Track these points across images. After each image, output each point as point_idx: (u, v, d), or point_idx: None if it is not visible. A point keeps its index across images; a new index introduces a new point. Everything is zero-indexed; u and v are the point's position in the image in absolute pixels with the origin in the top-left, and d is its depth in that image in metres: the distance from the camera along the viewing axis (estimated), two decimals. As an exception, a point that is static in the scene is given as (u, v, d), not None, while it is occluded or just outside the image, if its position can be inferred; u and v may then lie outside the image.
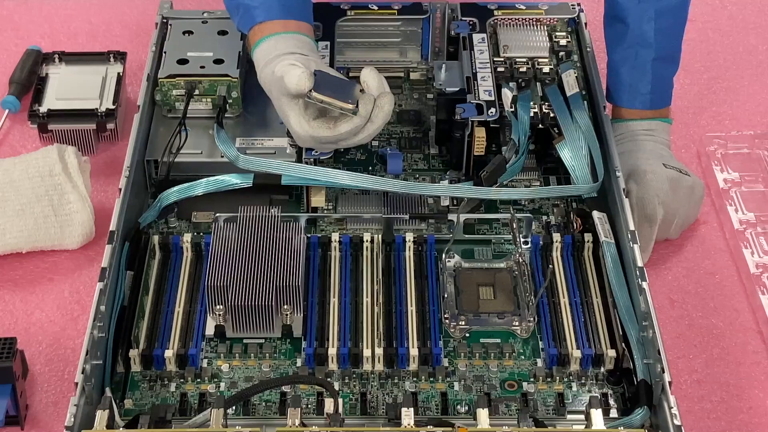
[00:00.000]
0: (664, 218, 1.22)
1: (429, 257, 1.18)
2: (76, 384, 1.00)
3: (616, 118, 1.31)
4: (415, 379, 1.08)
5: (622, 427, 1.00)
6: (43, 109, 1.36)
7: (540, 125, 1.25)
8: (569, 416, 1.05)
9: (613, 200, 1.20)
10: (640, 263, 1.10)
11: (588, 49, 1.35)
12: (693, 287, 1.23)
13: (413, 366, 1.08)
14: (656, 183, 1.22)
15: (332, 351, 1.08)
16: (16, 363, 1.06)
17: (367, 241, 1.18)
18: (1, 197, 1.24)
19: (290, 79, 1.12)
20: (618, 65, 1.30)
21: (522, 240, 1.19)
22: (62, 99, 1.38)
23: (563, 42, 1.37)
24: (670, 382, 1.01)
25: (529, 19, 1.39)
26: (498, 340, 1.11)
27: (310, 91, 1.13)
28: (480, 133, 1.23)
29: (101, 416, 0.97)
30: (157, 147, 1.25)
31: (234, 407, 1.04)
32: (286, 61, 1.15)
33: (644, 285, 1.08)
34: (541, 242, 1.18)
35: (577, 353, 1.08)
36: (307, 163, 1.22)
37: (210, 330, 1.11)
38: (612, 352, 1.08)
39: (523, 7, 1.39)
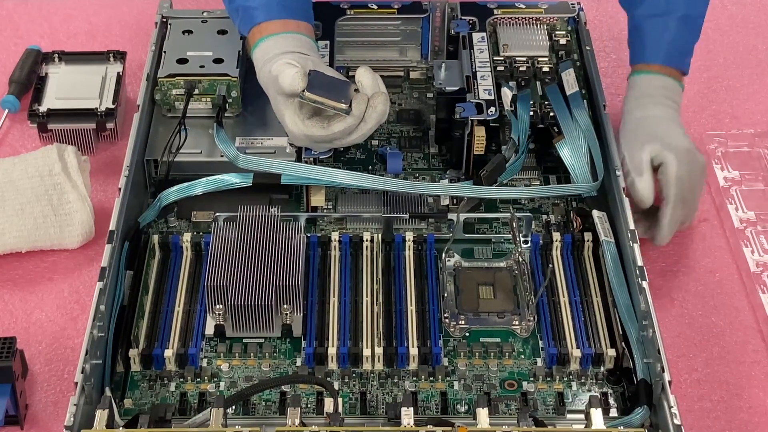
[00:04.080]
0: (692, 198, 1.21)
1: (429, 256, 1.18)
2: (76, 384, 1.00)
3: (636, 71, 1.29)
4: (414, 378, 1.08)
5: (621, 427, 1.00)
6: (42, 108, 1.36)
7: (540, 124, 1.26)
8: (569, 416, 1.05)
9: (613, 199, 1.20)
10: (639, 262, 1.10)
11: (588, 48, 1.35)
12: (693, 286, 1.23)
13: (413, 365, 1.08)
14: (694, 164, 1.20)
15: (332, 350, 1.08)
16: (16, 363, 1.06)
17: (366, 240, 1.18)
18: (0, 197, 1.24)
19: (284, 78, 1.13)
20: (641, 23, 1.28)
21: (522, 239, 1.19)
22: (62, 98, 1.37)
23: (563, 41, 1.37)
24: (669, 382, 1.01)
25: (529, 18, 1.39)
26: (498, 340, 1.11)
27: (303, 90, 1.13)
28: (480, 132, 1.23)
29: (101, 416, 0.97)
30: (156, 146, 1.25)
31: (234, 407, 1.04)
32: (282, 60, 1.15)
33: (644, 284, 1.08)
34: (540, 241, 1.18)
35: (576, 352, 1.08)
36: (306, 162, 1.22)
37: (210, 329, 1.11)
38: (612, 352, 1.08)
39: (523, 6, 1.40)
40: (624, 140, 1.23)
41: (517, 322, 1.12)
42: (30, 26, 1.55)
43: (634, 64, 1.30)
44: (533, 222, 1.21)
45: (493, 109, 1.23)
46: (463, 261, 1.18)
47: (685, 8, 1.27)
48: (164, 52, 1.30)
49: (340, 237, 1.18)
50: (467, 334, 1.12)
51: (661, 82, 1.27)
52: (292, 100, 1.15)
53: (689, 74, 1.34)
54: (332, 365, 1.08)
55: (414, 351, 1.08)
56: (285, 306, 1.09)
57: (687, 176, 1.19)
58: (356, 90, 1.15)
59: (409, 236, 1.18)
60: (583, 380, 1.08)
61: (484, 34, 1.34)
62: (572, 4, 1.40)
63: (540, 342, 1.11)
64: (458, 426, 0.96)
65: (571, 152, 1.23)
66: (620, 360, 1.08)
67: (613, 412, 1.06)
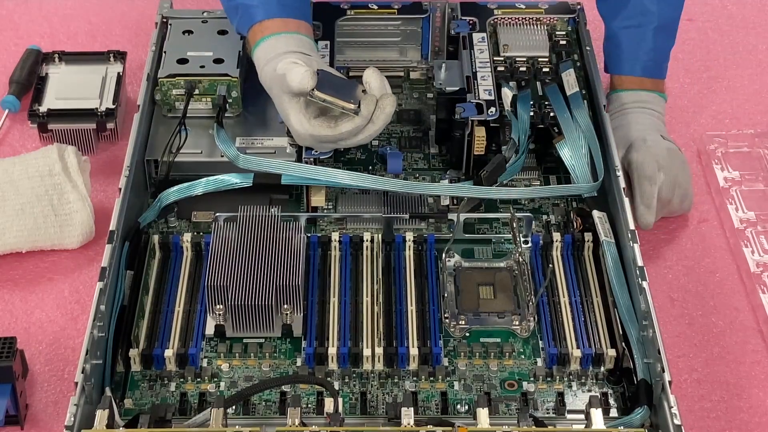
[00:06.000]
0: (665, 185, 1.22)
1: (429, 257, 1.18)
2: (76, 383, 1.00)
3: (614, 89, 1.33)
4: (415, 378, 1.08)
5: (622, 427, 1.00)
6: (43, 108, 1.36)
7: (540, 124, 1.25)
8: (569, 416, 1.05)
9: (613, 199, 1.20)
10: (640, 263, 1.10)
11: (588, 48, 1.35)
12: (693, 286, 1.23)
13: (413, 365, 1.08)
14: (656, 149, 1.24)
15: (332, 350, 1.08)
16: (16, 362, 1.06)
17: (367, 240, 1.18)
18: (0, 197, 1.24)
19: (293, 77, 1.13)
20: (618, 34, 1.31)
21: (522, 239, 1.19)
22: (62, 99, 1.38)
23: (563, 41, 1.37)
24: (669, 382, 1.01)
25: (529, 18, 1.39)
26: (498, 340, 1.11)
27: (313, 89, 1.13)
28: (480, 132, 1.23)
29: (101, 416, 0.97)
30: (156, 147, 1.25)
31: (234, 407, 1.04)
32: (288, 59, 1.15)
33: (644, 284, 1.08)
34: (541, 241, 1.18)
35: (577, 353, 1.08)
36: (307, 162, 1.22)
37: (210, 329, 1.11)
38: (612, 352, 1.08)
39: (523, 7, 1.40)
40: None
41: (517, 323, 1.12)
42: (30, 26, 1.55)
43: (612, 74, 1.34)
44: (533, 222, 1.21)
45: (493, 109, 1.23)
46: (464, 261, 1.18)
47: (658, 19, 1.29)
48: (164, 52, 1.30)
49: (340, 237, 1.18)
50: (467, 334, 1.12)
51: (641, 98, 1.31)
52: (297, 99, 1.15)
53: (689, 74, 1.34)
54: (332, 365, 1.08)
55: (414, 351, 1.08)
56: (285, 306, 1.09)
57: (648, 161, 1.22)
58: (363, 91, 1.15)
59: (410, 236, 1.18)
60: (583, 380, 1.08)
61: (484, 34, 1.34)
62: (572, 4, 1.40)
63: (540, 342, 1.11)
64: (458, 426, 0.96)
65: (571, 152, 1.23)
66: (620, 360, 1.08)
67: (613, 412, 1.06)
